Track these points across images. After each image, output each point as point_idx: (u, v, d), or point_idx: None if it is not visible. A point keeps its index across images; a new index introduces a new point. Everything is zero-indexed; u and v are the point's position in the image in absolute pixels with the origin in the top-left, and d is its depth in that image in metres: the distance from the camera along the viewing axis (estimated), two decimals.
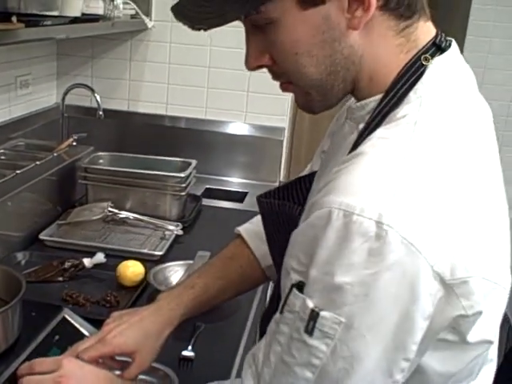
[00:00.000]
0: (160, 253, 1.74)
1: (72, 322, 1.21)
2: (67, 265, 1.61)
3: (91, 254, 1.65)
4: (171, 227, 1.89)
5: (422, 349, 0.72)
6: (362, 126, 0.81)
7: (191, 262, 1.64)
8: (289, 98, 2.46)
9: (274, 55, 0.81)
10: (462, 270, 0.69)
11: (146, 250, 1.74)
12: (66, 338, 1.16)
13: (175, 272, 1.61)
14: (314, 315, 0.70)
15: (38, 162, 1.94)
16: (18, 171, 1.83)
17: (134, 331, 1.02)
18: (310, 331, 0.71)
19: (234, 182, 2.46)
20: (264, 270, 1.16)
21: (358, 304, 0.68)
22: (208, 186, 2.38)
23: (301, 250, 0.74)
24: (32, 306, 1.20)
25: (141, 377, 1.13)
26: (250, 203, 2.17)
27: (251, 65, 0.83)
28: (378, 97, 0.80)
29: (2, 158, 2.01)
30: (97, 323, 1.25)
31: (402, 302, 0.68)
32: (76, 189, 2.05)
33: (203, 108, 2.50)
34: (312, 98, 0.84)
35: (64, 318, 1.21)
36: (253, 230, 1.20)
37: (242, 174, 2.49)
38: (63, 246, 1.75)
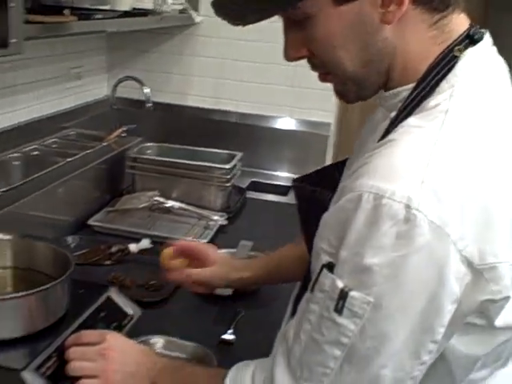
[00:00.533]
0: (204, 241, 1.76)
1: (117, 301, 1.24)
2: (114, 249, 1.65)
3: (137, 240, 1.70)
4: (215, 217, 1.91)
5: (449, 332, 0.73)
6: (393, 113, 0.83)
7: (234, 250, 1.66)
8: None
9: (312, 48, 0.84)
10: (491, 256, 0.71)
11: (190, 238, 1.77)
12: (111, 316, 1.19)
13: None
14: (343, 295, 0.72)
15: (88, 151, 2.00)
16: (68, 159, 1.90)
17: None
18: (339, 310, 0.73)
19: (280, 175, 2.47)
20: None
21: (386, 285, 0.70)
22: (254, 180, 2.40)
23: (331, 232, 0.76)
24: (79, 285, 1.23)
25: (180, 355, 1.16)
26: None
27: (290, 57, 0.86)
28: (411, 86, 0.82)
29: (54, 146, 2.07)
30: (140, 304, 1.29)
31: (430, 285, 0.70)
32: (124, 178, 2.09)
33: (251, 103, 2.53)
34: (348, 89, 0.87)
35: (109, 297, 1.24)
36: None
37: (287, 168, 2.50)
38: (111, 232, 1.80)
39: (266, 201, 2.23)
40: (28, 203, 1.60)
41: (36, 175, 1.73)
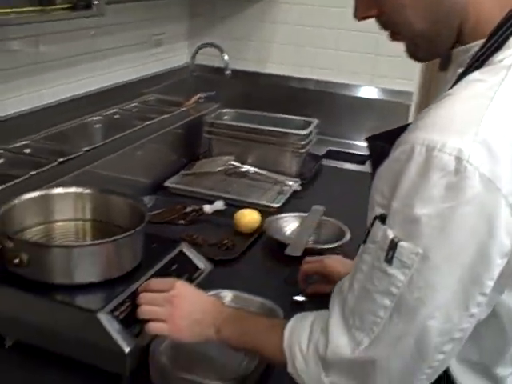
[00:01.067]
0: (277, 205, 1.77)
1: (189, 255, 1.27)
2: (188, 209, 1.68)
3: (211, 202, 1.72)
4: (290, 182, 1.91)
5: (499, 286, 0.74)
6: (461, 69, 0.82)
7: (305, 214, 1.65)
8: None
9: (381, 7, 0.84)
10: None
11: (263, 202, 1.78)
12: (183, 269, 1.22)
13: (290, 223, 1.64)
14: (393, 245, 0.74)
15: (166, 116, 2.04)
16: (147, 122, 1.94)
17: None
18: (389, 260, 0.74)
19: (358, 145, 2.43)
20: None
21: (434, 236, 0.71)
22: (331, 148, 2.38)
23: (385, 183, 0.77)
24: (153, 239, 1.27)
25: (247, 309, 1.17)
26: None
27: (359, 16, 0.88)
28: (482, 41, 0.81)
29: (134, 110, 2.13)
30: (212, 262, 1.31)
31: (479, 237, 0.70)
32: (201, 142, 2.12)
33: (331, 70, 2.50)
34: (419, 47, 0.87)
35: (181, 251, 1.26)
36: None
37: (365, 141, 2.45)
38: (186, 194, 1.83)
39: (342, 169, 2.21)
40: (108, 163, 1.65)
41: (116, 137, 1.79)
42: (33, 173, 1.45)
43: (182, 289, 1.04)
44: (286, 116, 2.15)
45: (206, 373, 1.01)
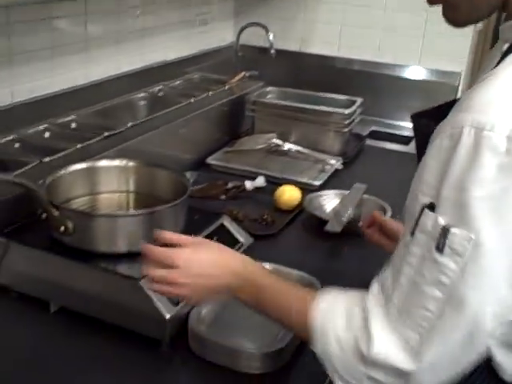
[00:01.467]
0: (318, 183, 1.76)
1: (229, 228, 1.28)
2: (230, 185, 1.70)
3: (253, 179, 1.73)
4: (332, 161, 1.90)
5: None
6: (506, 46, 0.80)
7: (346, 192, 1.65)
8: (468, 40, 2.33)
9: None
10: None
11: (304, 179, 1.78)
12: (223, 241, 1.20)
13: (330, 200, 1.64)
14: (444, 232, 0.71)
15: (210, 93, 2.06)
16: (191, 100, 1.96)
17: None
18: (440, 249, 0.72)
19: (402, 125, 2.40)
20: None
21: (487, 218, 0.69)
22: (374, 128, 2.36)
23: (431, 172, 0.74)
24: (195, 212, 1.29)
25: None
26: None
27: None
28: None
29: (179, 88, 2.15)
30: (252, 236, 1.32)
31: None
32: (244, 120, 2.13)
33: (376, 50, 2.47)
34: (459, 11, 0.84)
35: (222, 224, 1.28)
36: None
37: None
38: (228, 171, 1.85)
39: (385, 149, 2.19)
40: (151, 138, 1.68)
41: (160, 113, 1.81)
42: (79, 146, 1.49)
43: (183, 263, 0.91)
44: (330, 95, 2.13)
45: (243, 342, 1.03)
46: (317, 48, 2.56)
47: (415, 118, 0.99)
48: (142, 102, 2.00)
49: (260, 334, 1.07)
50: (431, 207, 0.73)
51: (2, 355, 1.03)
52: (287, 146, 1.96)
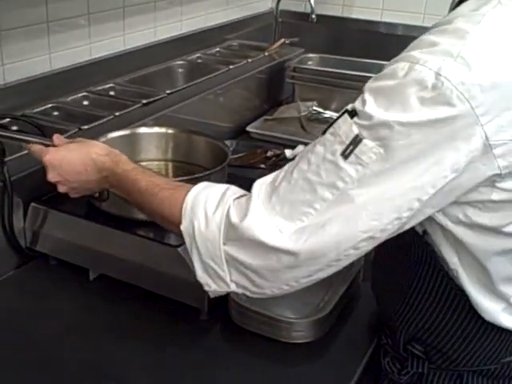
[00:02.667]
0: None
1: None
2: (270, 154, 1.66)
3: (293, 148, 1.69)
4: None
5: (437, 200, 0.74)
6: None
7: None
8: None
9: None
10: (506, 134, 0.71)
11: None
12: None
13: None
14: (356, 141, 0.73)
15: (249, 60, 2.01)
16: (230, 67, 1.92)
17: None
18: (346, 155, 0.73)
19: None
20: None
21: (400, 141, 0.71)
22: None
23: (367, 90, 0.76)
24: (235, 180, 1.25)
25: None
26: None
27: None
28: None
29: (218, 55, 2.11)
30: None
31: (441, 150, 0.71)
32: (284, 88, 2.09)
33: (420, 14, 2.38)
34: None
35: None
36: None
37: None
38: (267, 139, 1.81)
39: None
40: (190, 106, 1.65)
41: (198, 80, 1.78)
42: (117, 114, 1.48)
43: (53, 163, 1.01)
44: (372, 61, 2.06)
45: (283, 311, 1.01)
46: (359, 13, 2.48)
47: None
48: (180, 70, 1.97)
49: (300, 303, 1.04)
50: (352, 114, 0.74)
51: (42, 322, 1.03)
52: (328, 113, 1.92)
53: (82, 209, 1.14)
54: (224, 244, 0.79)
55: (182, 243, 1.03)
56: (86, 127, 1.38)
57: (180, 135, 1.33)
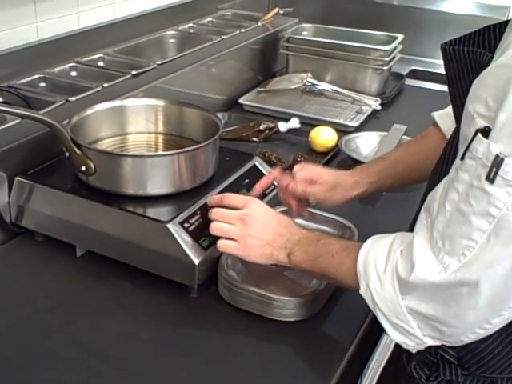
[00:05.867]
0: (355, 124, 1.68)
1: (261, 169, 1.23)
2: (263, 127, 1.63)
3: (286, 120, 1.66)
4: (369, 101, 1.81)
5: None
6: None
7: (385, 133, 1.57)
8: None
9: None
10: None
11: (340, 121, 1.70)
12: (255, 183, 1.17)
13: (368, 142, 1.56)
14: (497, 162, 0.66)
15: (242, 30, 1.96)
16: (223, 37, 1.87)
17: (327, 176, 1.09)
18: (491, 179, 0.67)
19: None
20: None
21: None
22: (414, 67, 2.24)
23: (490, 93, 0.68)
24: (227, 153, 1.23)
25: (320, 227, 1.13)
26: None
27: None
28: None
29: (210, 25, 2.06)
30: None
31: None
32: (277, 59, 2.04)
33: None
34: None
35: (254, 166, 1.22)
36: (446, 112, 1.12)
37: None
38: (260, 112, 1.77)
39: (426, 89, 2.08)
40: (181, 77, 1.61)
41: (190, 51, 1.73)
42: (106, 85, 1.44)
43: (256, 208, 0.99)
44: (368, 31, 2.01)
45: (275, 288, 0.98)
46: None
47: (445, 47, 0.88)
48: (172, 40, 1.92)
49: (292, 282, 1.02)
50: (485, 132, 0.68)
51: (28, 299, 1.01)
52: (323, 85, 1.87)
53: (69, 183, 1.11)
54: (403, 299, 0.77)
55: (172, 219, 1.01)
56: (73, 99, 1.35)
57: (170, 107, 1.30)
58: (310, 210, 1.15)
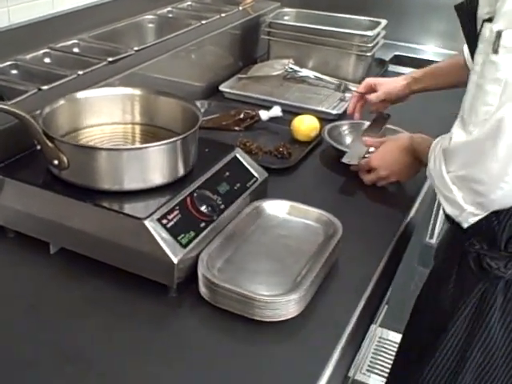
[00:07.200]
0: (338, 112, 1.65)
1: (242, 161, 1.18)
2: (244, 115, 1.59)
3: (268, 109, 1.61)
4: (353, 88, 1.77)
5: None
6: None
7: (369, 122, 1.53)
8: None
9: None
10: None
11: (323, 109, 1.67)
12: (236, 176, 1.14)
13: (351, 130, 1.53)
14: (499, 35, 0.84)
15: (222, 15, 1.92)
16: (202, 22, 1.82)
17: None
18: (496, 50, 0.84)
19: (428, 50, 2.25)
20: None
21: None
22: (397, 53, 2.21)
23: None
24: (206, 144, 1.19)
25: (304, 221, 1.10)
26: None
27: None
28: None
29: (189, 9, 2.01)
30: (267, 170, 1.23)
31: None
32: (258, 45, 2.00)
33: None
34: None
35: (235, 157, 1.18)
36: None
37: (437, 43, 2.27)
38: (241, 99, 1.74)
39: None
40: (159, 64, 1.56)
41: (168, 36, 1.68)
42: (81, 72, 1.38)
43: (378, 163, 1.29)
44: (351, 16, 1.98)
45: (256, 288, 0.95)
46: None
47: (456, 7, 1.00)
48: (150, 25, 1.87)
49: (273, 281, 0.99)
50: (489, 20, 0.86)
51: (1, 298, 0.96)
52: (305, 72, 1.84)
53: (41, 178, 1.06)
54: (448, 172, 0.95)
55: (149, 215, 0.97)
56: (46, 87, 1.29)
57: (147, 96, 1.25)
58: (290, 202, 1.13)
